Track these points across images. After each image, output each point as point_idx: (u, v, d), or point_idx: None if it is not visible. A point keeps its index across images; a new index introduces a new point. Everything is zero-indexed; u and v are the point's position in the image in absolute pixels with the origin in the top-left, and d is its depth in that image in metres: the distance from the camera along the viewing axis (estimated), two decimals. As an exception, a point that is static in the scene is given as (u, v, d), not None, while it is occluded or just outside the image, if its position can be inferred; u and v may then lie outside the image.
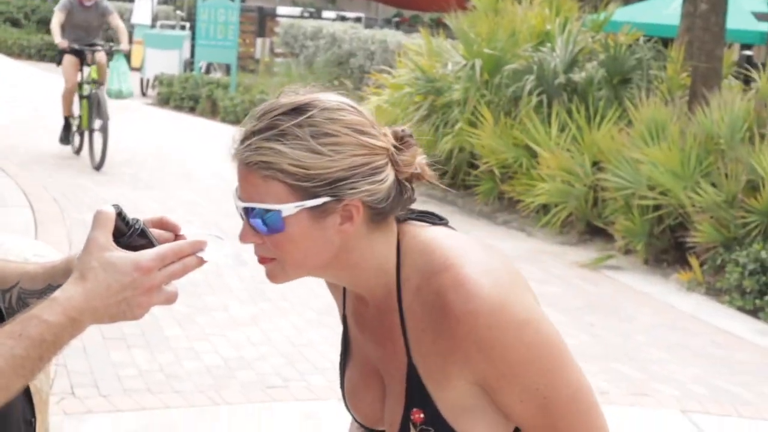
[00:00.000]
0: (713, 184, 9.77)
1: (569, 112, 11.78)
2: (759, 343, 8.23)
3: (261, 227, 1.79)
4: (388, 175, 1.81)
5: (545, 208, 11.31)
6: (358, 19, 26.61)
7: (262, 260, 1.86)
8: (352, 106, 1.84)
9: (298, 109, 1.79)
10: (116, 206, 1.71)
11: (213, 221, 9.70)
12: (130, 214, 1.76)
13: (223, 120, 19.24)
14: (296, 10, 28.18)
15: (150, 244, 1.71)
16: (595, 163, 11.03)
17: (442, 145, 12.63)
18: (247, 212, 1.80)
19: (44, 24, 31.76)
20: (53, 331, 1.59)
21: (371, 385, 2.02)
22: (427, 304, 1.82)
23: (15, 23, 31.47)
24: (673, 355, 7.63)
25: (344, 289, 2.06)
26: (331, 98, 1.84)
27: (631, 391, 6.57)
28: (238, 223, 1.85)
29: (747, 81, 12.79)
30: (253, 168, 1.77)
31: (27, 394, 1.88)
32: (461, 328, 1.78)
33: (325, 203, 1.77)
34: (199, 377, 6.26)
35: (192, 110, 20.41)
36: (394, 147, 1.84)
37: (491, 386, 1.84)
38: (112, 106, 20.69)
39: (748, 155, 9.69)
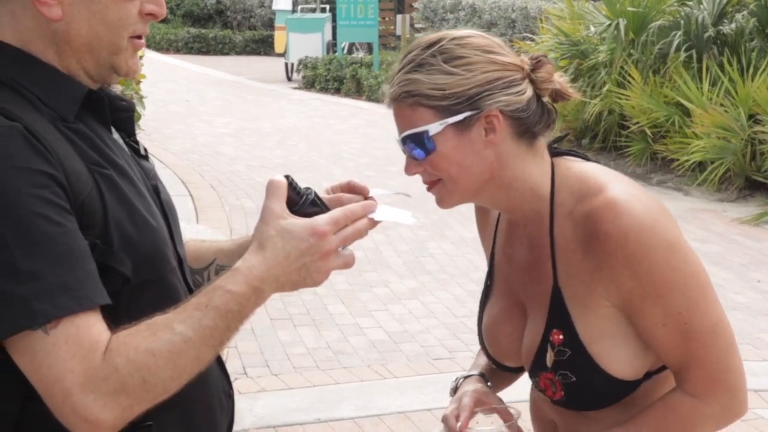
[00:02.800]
0: None
1: (720, 66, 11.48)
2: None
3: (417, 153, 1.96)
4: (526, 89, 1.96)
5: (701, 166, 11.06)
6: (496, -12, 26.41)
7: (429, 186, 2.01)
8: (479, 34, 2.00)
9: (430, 43, 1.98)
10: (287, 176, 1.73)
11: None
12: None
13: (369, 98, 19.37)
14: (434, -16, 28.13)
15: (322, 211, 1.73)
16: (751, 116, 10.73)
17: (590, 108, 12.47)
18: (405, 144, 1.98)
19: (189, 18, 32.55)
20: (238, 301, 1.63)
21: (512, 316, 2.13)
22: (579, 224, 1.94)
23: (162, 19, 32.19)
24: None
25: (496, 223, 2.20)
26: (459, 30, 2.02)
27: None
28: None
29: None
30: (401, 101, 1.97)
31: (222, 367, 1.94)
32: (610, 244, 1.88)
33: (465, 117, 1.93)
34: (365, 352, 6.35)
35: (337, 91, 20.61)
36: (529, 67, 1.99)
37: (635, 307, 1.92)
38: (258, 91, 21.11)
39: None
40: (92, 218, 1.64)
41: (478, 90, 1.92)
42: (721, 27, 12.10)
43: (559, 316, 1.98)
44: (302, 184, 1.75)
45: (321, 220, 1.69)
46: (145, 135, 10.74)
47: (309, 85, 21.55)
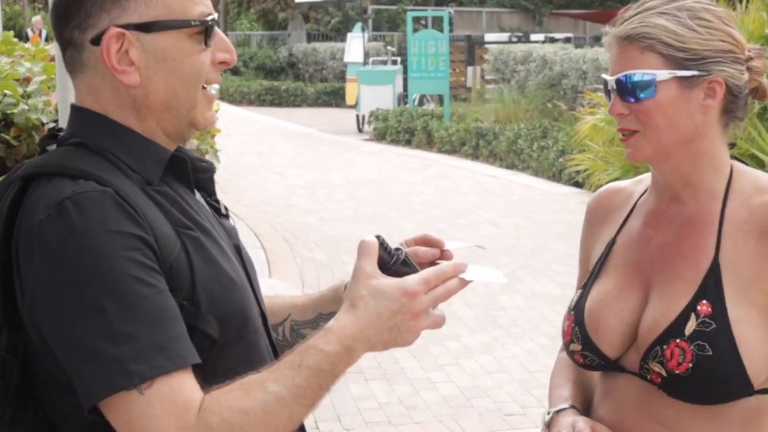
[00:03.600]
0: None
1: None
2: None
3: (634, 95, 2.03)
4: (745, 71, 2.06)
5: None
6: (567, 40, 26.46)
7: (624, 136, 2.08)
8: (718, 5, 2.11)
9: (674, 2, 2.06)
10: (378, 237, 1.75)
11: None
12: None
13: (440, 150, 19.42)
14: (504, 36, 28.26)
15: (413, 271, 1.74)
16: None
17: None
18: (620, 84, 2.04)
19: (261, 70, 32.99)
20: (331, 360, 1.64)
21: (627, 295, 2.13)
22: (760, 210, 2.04)
23: (235, 72, 32.74)
24: None
25: (631, 209, 2.22)
26: None
27: None
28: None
29: None
30: (633, 40, 2.04)
31: (301, 426, 1.95)
32: None
33: (694, 75, 2.01)
34: (437, 407, 6.32)
35: (408, 143, 20.68)
36: (750, 54, 2.08)
37: None
38: (330, 143, 21.27)
39: None
40: (180, 280, 1.67)
41: (713, 54, 2.02)
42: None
43: (712, 289, 2.02)
44: (375, 236, 1.77)
45: (412, 280, 1.70)
46: (219, 188, 10.83)
47: (380, 137, 21.65)
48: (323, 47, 33.51)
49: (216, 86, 1.92)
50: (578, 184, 14.42)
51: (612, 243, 2.22)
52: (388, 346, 1.71)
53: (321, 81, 32.56)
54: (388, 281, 1.69)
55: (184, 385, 1.60)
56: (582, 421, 2.11)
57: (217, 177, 1.94)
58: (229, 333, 1.73)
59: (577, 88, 18.98)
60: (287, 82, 32.19)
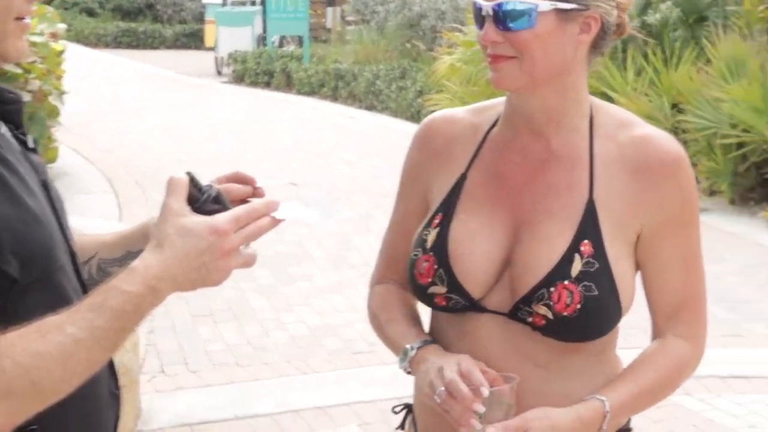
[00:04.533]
0: (798, 117, 9.53)
1: (645, 56, 11.56)
2: None
3: (515, 24, 1.97)
4: (614, 9, 2.03)
5: (626, 155, 11.13)
6: (427, -20, 26.43)
7: (496, 60, 2.01)
8: None
9: None
10: (189, 173, 1.69)
11: (295, 193, 9.76)
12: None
13: (299, 92, 19.32)
14: (365, -24, 28.09)
15: (224, 208, 1.68)
16: (674, 106, 10.82)
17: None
18: (497, 12, 1.98)
19: (119, 11, 32.21)
20: (134, 301, 1.58)
21: (492, 233, 2.06)
22: (627, 146, 2.05)
23: (90, 13, 31.91)
24: (764, 294, 7.48)
25: (479, 144, 2.15)
26: None
27: (724, 332, 6.46)
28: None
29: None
30: None
31: (111, 366, 1.89)
32: (668, 169, 2.04)
33: (573, 8, 1.98)
34: (285, 348, 6.30)
35: (267, 85, 20.51)
36: None
37: (666, 234, 2.05)
38: (188, 85, 20.94)
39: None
40: None
41: None
42: (645, 17, 12.18)
43: (590, 228, 2.01)
44: (186, 172, 1.69)
45: (221, 218, 1.64)
46: (65, 130, 10.56)
47: (239, 79, 21.41)
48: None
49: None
50: (435, 124, 14.48)
51: (462, 179, 2.13)
52: (196, 286, 1.65)
53: (180, 23, 31.97)
54: (196, 219, 1.63)
55: None
56: (466, 360, 1.99)
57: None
58: (32, 273, 1.65)
59: (435, 29, 19.03)
60: (145, 23, 31.50)
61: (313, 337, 6.49)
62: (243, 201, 1.79)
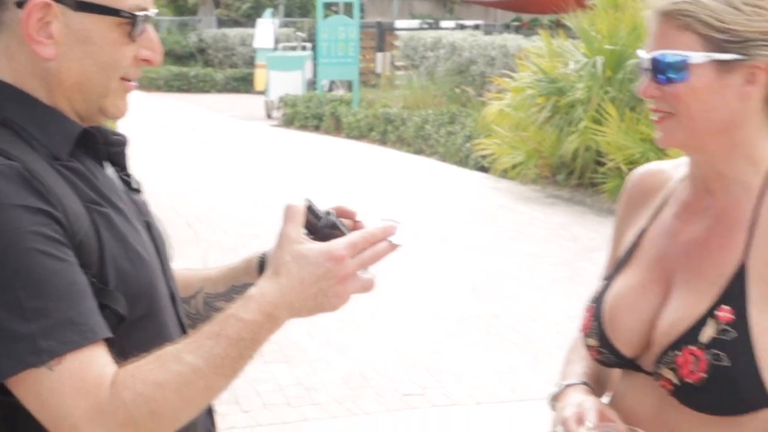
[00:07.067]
0: None
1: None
2: None
3: (665, 77, 1.87)
4: None
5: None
6: (476, 27, 26.57)
7: (658, 118, 1.92)
8: None
9: None
10: (306, 199, 1.70)
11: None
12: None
13: (347, 136, 19.40)
14: (414, 23, 28.28)
15: (342, 234, 1.69)
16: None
17: (567, 145, 12.51)
18: (654, 63, 1.88)
19: (171, 56, 32.57)
20: (250, 329, 1.60)
21: (649, 291, 1.99)
22: None
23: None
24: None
25: (666, 197, 2.07)
26: None
27: None
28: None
29: None
30: (671, 17, 1.87)
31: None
32: None
33: (734, 59, 1.84)
34: (335, 388, 6.31)
35: (316, 129, 20.63)
36: None
37: None
38: (238, 129, 21.13)
39: None
40: (89, 257, 1.63)
41: (758, 37, 1.84)
42: (696, 64, 12.16)
43: (735, 293, 1.87)
44: (304, 199, 1.71)
45: (338, 243, 1.65)
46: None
47: (289, 122, 21.57)
48: (233, 33, 33.26)
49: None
50: (484, 169, 14.53)
51: (642, 232, 2.08)
52: (314, 312, 1.66)
53: (230, 67, 32.32)
54: (312, 246, 1.65)
55: (95, 360, 1.56)
56: (590, 401, 1.97)
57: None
58: (138, 310, 1.70)
59: (485, 74, 19.10)
60: (196, 67, 31.90)
61: (362, 378, 6.49)
62: (355, 224, 1.80)
